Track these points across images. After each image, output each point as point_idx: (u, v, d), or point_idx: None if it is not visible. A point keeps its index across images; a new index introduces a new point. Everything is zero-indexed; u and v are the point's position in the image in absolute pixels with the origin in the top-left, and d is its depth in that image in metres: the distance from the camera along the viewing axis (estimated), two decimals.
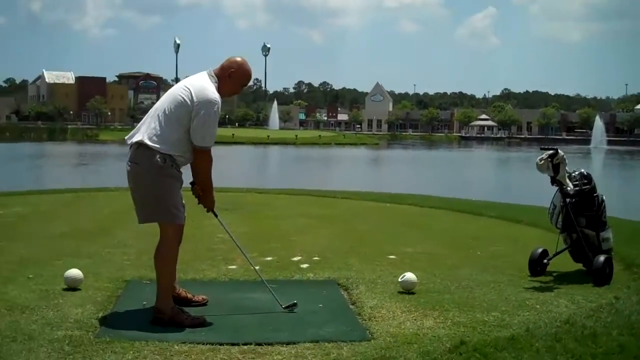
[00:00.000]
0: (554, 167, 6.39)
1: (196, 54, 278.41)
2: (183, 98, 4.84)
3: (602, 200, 6.67)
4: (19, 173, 32.91)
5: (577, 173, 6.65)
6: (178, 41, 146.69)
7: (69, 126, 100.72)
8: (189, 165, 5.05)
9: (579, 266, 6.88)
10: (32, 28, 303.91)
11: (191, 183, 5.11)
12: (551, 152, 6.41)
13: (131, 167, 4.92)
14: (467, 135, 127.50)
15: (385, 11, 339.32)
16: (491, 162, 60.97)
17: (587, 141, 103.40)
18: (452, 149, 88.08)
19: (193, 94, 4.83)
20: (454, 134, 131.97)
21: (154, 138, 4.81)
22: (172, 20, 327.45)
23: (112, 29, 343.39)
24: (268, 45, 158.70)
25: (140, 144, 4.84)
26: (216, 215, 5.31)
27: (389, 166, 50.93)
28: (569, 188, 6.47)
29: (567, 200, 6.50)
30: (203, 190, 5.11)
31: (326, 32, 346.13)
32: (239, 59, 5.12)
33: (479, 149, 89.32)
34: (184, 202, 5.05)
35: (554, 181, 6.50)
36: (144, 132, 4.88)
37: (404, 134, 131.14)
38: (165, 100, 4.98)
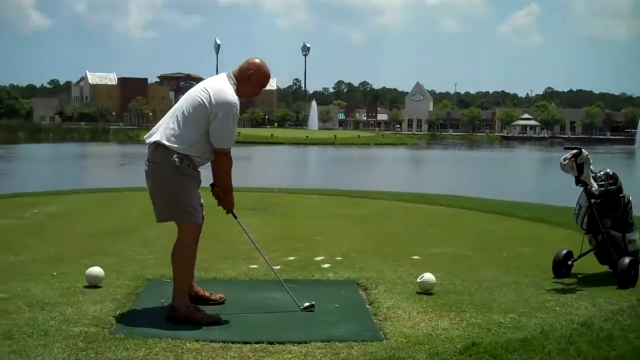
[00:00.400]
0: (578, 166, 6.31)
1: (237, 54, 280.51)
2: (202, 100, 4.89)
3: (629, 201, 6.55)
4: (58, 173, 33.50)
5: (602, 173, 6.55)
6: (218, 41, 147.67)
7: (111, 127, 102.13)
8: (209, 165, 5.10)
9: (606, 268, 6.76)
10: (76, 30, 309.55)
11: (211, 185, 5.16)
12: (575, 151, 6.32)
13: (149, 166, 4.99)
14: (509, 135, 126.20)
15: (426, 9, 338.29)
16: (532, 162, 60.20)
17: (632, 141, 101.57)
18: (494, 149, 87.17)
19: (212, 96, 4.87)
20: (496, 133, 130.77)
21: (172, 138, 4.86)
22: (212, 20, 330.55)
23: (154, 30, 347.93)
24: (308, 45, 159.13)
25: (158, 144, 4.90)
26: (235, 217, 5.34)
27: (427, 167, 50.63)
28: (593, 188, 6.38)
29: (592, 200, 6.41)
30: (223, 192, 5.15)
31: (366, 31, 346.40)
32: (257, 60, 5.15)
33: (521, 149, 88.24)
34: (202, 201, 5.10)
35: (578, 181, 6.41)
36: (162, 132, 4.94)
37: (444, 133, 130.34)
38: (184, 101, 5.02)
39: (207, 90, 4.92)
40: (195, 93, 4.99)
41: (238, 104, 4.94)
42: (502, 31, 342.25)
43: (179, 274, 5.02)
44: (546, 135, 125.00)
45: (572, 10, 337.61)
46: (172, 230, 5.78)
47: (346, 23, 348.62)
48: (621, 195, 6.52)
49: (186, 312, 4.91)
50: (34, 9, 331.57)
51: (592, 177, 6.43)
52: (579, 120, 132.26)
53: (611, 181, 6.49)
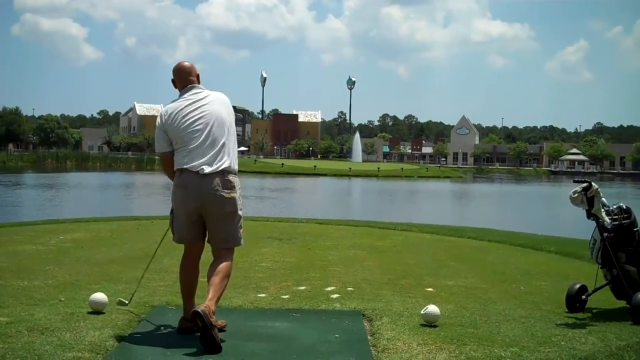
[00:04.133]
0: (589, 200, 6.17)
1: (282, 87, 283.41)
2: None
3: None
4: (96, 201, 33.99)
5: (615, 207, 6.39)
6: (265, 75, 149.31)
7: (157, 157, 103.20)
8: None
9: (623, 303, 6.56)
10: (126, 63, 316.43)
11: None
12: (585, 184, 6.20)
13: None
14: (557, 169, 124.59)
15: (472, 45, 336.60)
16: None
17: None
18: (541, 183, 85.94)
19: None
20: (543, 168, 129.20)
21: None
22: (259, 54, 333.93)
23: (202, 64, 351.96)
24: (353, 79, 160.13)
25: None
26: None
27: (468, 200, 50.07)
28: (605, 222, 6.23)
29: (605, 234, 6.25)
30: None
31: (412, 66, 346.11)
32: None
33: (569, 183, 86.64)
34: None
35: (589, 215, 6.26)
36: None
37: (490, 167, 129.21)
38: None
39: None
40: None
41: (163, 112, 5.48)
42: (551, 67, 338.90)
43: None
44: (595, 170, 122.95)
45: (621, 46, 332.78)
46: None
47: (392, 58, 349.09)
48: (635, 229, 6.34)
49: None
50: (86, 43, 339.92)
51: (605, 211, 6.29)
52: (628, 156, 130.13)
53: (625, 215, 6.33)
